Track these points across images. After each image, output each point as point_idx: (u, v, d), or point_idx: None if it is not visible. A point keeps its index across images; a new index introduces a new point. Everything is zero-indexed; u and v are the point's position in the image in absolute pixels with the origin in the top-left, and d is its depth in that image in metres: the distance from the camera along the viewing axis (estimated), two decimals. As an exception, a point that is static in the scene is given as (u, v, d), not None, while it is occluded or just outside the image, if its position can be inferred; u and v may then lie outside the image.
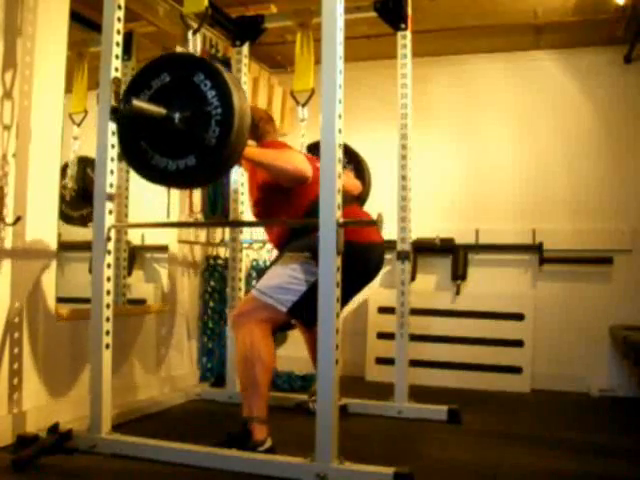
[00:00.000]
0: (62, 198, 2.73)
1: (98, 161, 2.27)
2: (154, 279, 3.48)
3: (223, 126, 1.96)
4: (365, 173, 3.15)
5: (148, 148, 2.07)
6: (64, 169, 2.88)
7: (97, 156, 2.27)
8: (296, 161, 2.44)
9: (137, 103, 1.97)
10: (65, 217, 2.80)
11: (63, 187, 2.80)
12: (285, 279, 2.34)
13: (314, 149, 2.95)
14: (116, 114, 2.20)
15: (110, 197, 2.27)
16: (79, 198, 2.91)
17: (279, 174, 2.42)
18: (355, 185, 2.91)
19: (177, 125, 2.02)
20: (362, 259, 2.43)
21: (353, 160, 3.15)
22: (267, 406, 2.30)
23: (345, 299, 2.18)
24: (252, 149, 2.39)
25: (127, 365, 3.01)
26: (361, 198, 3.03)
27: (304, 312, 2.31)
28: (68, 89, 2.72)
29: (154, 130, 2.06)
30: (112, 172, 2.26)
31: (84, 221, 2.88)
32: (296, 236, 2.45)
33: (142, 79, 2.11)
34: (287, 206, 2.48)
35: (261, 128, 2.65)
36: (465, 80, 4.11)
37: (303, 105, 3.05)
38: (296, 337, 3.07)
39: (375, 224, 2.07)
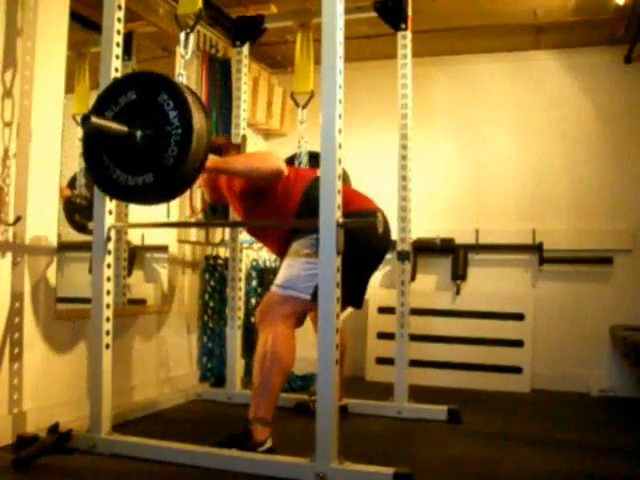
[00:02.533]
0: (75, 207, 2.74)
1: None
2: (154, 279, 3.47)
3: (181, 146, 1.99)
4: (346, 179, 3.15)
5: (110, 163, 2.10)
6: (74, 178, 2.88)
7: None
8: (267, 157, 2.45)
9: (96, 121, 2.00)
10: (79, 227, 2.80)
11: (75, 196, 2.81)
12: (300, 267, 2.34)
13: (313, 158, 2.96)
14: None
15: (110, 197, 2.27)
16: (89, 206, 2.90)
17: (254, 174, 2.41)
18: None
19: (138, 142, 2.05)
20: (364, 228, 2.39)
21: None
22: (274, 409, 2.29)
23: (362, 278, 2.16)
24: (221, 160, 2.40)
25: (127, 365, 3.01)
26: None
27: None
28: (69, 89, 2.72)
29: (116, 146, 2.09)
30: (112, 172, 2.26)
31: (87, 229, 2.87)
32: (297, 234, 2.45)
33: (109, 95, 2.14)
34: (275, 212, 2.47)
35: (224, 154, 2.65)
36: (465, 80, 4.11)
37: (303, 107, 3.06)
38: (298, 336, 3.06)
39: (374, 220, 2.07)
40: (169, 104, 2.01)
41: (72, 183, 2.89)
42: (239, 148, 2.82)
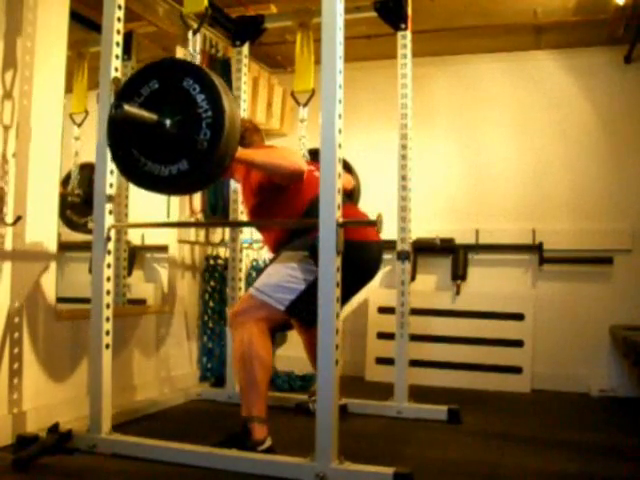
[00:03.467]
0: (67, 205, 2.73)
1: (98, 161, 2.27)
2: (154, 279, 3.48)
3: (214, 128, 1.95)
4: (354, 175, 3.14)
5: (140, 155, 2.06)
6: (68, 176, 2.88)
7: (97, 156, 2.27)
8: (290, 155, 2.43)
9: (129, 109, 1.97)
10: (71, 224, 2.80)
11: (68, 194, 2.80)
12: (283, 278, 2.34)
13: (314, 155, 2.95)
14: (115, 111, 2.21)
15: (110, 197, 2.27)
16: (84, 205, 2.90)
17: (275, 170, 2.39)
18: (347, 179, 2.87)
19: (168, 130, 2.01)
20: (360, 257, 2.42)
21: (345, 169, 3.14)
22: (266, 405, 2.29)
23: (344, 299, 2.18)
24: (245, 150, 2.38)
25: (127, 365, 3.01)
26: (353, 195, 3.02)
27: (302, 311, 2.32)
28: (68, 89, 2.72)
29: (145, 137, 2.05)
30: (112, 172, 2.26)
31: (80, 228, 2.88)
32: (294, 237, 2.45)
33: (131, 87, 2.10)
34: (284, 209, 2.47)
35: (247, 138, 2.61)
36: (465, 80, 4.11)
37: (304, 105, 3.06)
38: (296, 337, 3.07)
39: (375, 224, 2.07)
40: (195, 88, 1.97)
41: (66, 181, 2.89)
42: (261, 133, 2.79)
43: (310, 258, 2.30)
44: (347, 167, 3.06)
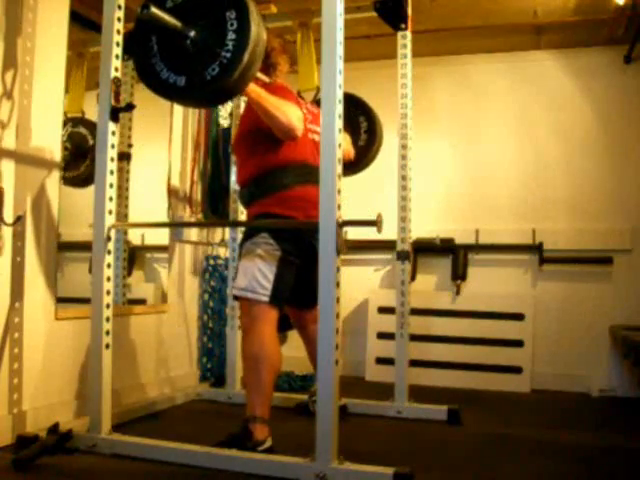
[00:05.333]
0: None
1: (98, 161, 2.26)
2: (154, 279, 3.48)
3: (223, 71, 1.97)
4: (377, 129, 3.14)
5: (157, 51, 2.09)
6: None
7: (97, 156, 2.27)
8: (292, 117, 2.38)
9: (154, 11, 1.98)
10: (65, 180, 2.78)
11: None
12: (254, 268, 2.35)
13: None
14: (116, 114, 2.21)
15: (110, 197, 2.27)
16: (73, 158, 2.87)
17: (271, 121, 2.37)
18: (348, 151, 2.83)
19: (186, 44, 2.02)
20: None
21: (366, 116, 3.14)
22: (270, 407, 2.30)
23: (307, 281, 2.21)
24: (256, 89, 2.34)
25: (127, 365, 3.01)
26: (357, 165, 3.02)
27: (285, 293, 2.37)
28: (65, 89, 2.72)
29: (168, 36, 2.06)
30: (112, 172, 2.26)
31: (77, 182, 2.87)
32: (254, 185, 2.47)
33: None
34: (264, 151, 2.45)
35: (273, 57, 2.62)
36: (465, 80, 4.11)
37: (311, 103, 3.05)
38: (296, 337, 3.07)
39: (375, 224, 2.07)
40: (233, 24, 1.97)
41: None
42: (288, 55, 2.75)
43: (270, 238, 2.35)
44: (371, 124, 3.08)
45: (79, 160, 2.84)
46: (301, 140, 2.45)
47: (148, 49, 2.11)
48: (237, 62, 1.96)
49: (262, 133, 2.44)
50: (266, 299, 2.34)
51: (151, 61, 2.10)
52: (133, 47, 2.18)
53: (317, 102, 2.90)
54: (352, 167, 2.92)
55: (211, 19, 2.02)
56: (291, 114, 2.39)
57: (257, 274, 2.35)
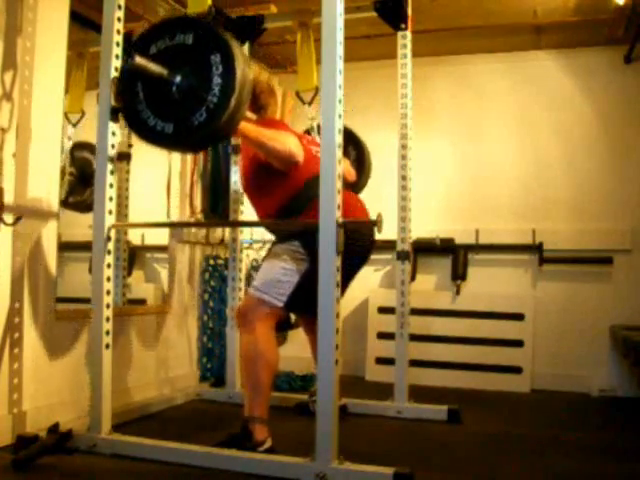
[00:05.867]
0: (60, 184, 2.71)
1: (98, 161, 2.26)
2: (154, 279, 3.48)
3: (211, 116, 1.96)
4: (365, 159, 3.14)
5: (144, 98, 2.08)
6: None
7: (97, 156, 2.27)
8: (290, 144, 2.41)
9: (139, 61, 1.99)
10: (63, 203, 2.78)
11: (62, 173, 2.79)
12: (277, 272, 2.35)
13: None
14: (116, 114, 2.22)
15: (110, 197, 2.27)
16: (78, 183, 2.89)
17: (270, 155, 2.39)
18: (349, 172, 2.85)
19: (172, 91, 2.02)
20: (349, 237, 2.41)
21: (354, 145, 3.14)
22: (268, 406, 2.30)
23: (345, 282, 2.17)
24: (248, 126, 2.35)
25: (127, 365, 3.01)
26: (356, 186, 3.00)
27: (300, 303, 2.34)
28: (65, 89, 2.71)
29: (154, 84, 2.06)
30: (112, 172, 2.26)
31: (80, 207, 2.88)
32: (282, 215, 2.45)
33: (171, 27, 2.10)
34: (279, 185, 2.45)
35: (262, 100, 2.63)
36: (465, 80, 4.11)
37: (309, 104, 3.05)
38: (296, 337, 3.07)
39: (375, 224, 2.07)
40: (218, 68, 1.96)
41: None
42: (276, 96, 2.77)
43: (301, 247, 2.32)
44: (360, 155, 3.06)
45: (84, 185, 2.84)
46: (306, 158, 2.44)
47: (134, 97, 2.10)
48: (224, 106, 1.95)
49: (266, 168, 2.45)
50: (280, 304, 2.33)
51: (138, 108, 2.09)
52: (119, 95, 2.17)
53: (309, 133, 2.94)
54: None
55: (196, 64, 2.01)
56: (288, 142, 2.41)
57: (279, 278, 2.33)
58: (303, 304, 2.31)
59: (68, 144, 2.91)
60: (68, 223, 2.71)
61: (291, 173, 2.44)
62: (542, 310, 3.83)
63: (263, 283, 2.36)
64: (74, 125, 2.91)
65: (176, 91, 2.02)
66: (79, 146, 2.91)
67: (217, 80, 1.96)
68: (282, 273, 2.34)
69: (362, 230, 2.48)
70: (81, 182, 2.79)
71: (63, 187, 2.71)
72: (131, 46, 2.08)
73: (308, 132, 3.06)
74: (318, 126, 2.96)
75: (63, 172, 2.79)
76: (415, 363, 3.34)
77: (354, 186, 2.94)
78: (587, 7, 3.39)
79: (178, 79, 2.02)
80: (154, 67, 2.02)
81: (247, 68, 2.02)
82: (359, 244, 2.46)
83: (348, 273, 2.49)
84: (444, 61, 4.10)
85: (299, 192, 2.41)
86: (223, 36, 2.03)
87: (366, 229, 2.51)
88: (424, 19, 3.36)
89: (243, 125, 2.24)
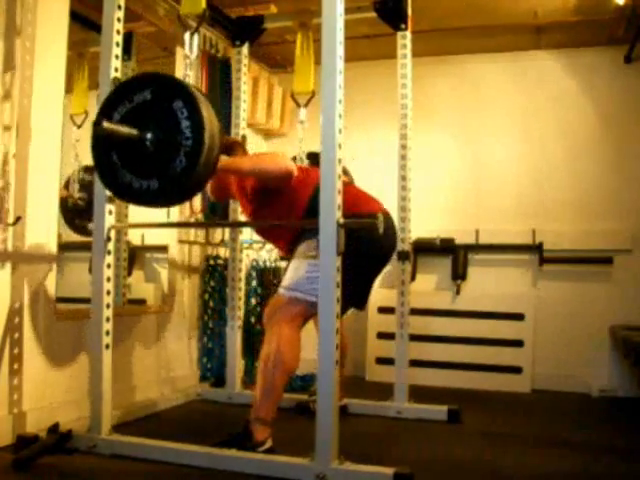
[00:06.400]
0: (70, 208, 2.72)
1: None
2: (154, 279, 3.47)
3: (190, 159, 1.96)
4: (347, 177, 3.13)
5: (118, 162, 2.07)
6: (68, 179, 2.88)
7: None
8: (277, 158, 2.44)
9: (107, 126, 1.98)
10: (77, 228, 2.79)
11: (70, 197, 2.80)
12: (307, 269, 2.34)
13: (313, 158, 2.95)
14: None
15: (110, 198, 2.27)
16: (86, 207, 2.89)
17: (263, 174, 2.41)
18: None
19: (147, 147, 2.02)
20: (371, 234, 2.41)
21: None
22: (276, 410, 2.29)
23: (366, 280, 2.18)
24: (230, 160, 2.39)
25: (127, 365, 3.01)
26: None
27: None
28: (68, 89, 2.72)
29: (127, 146, 2.05)
30: (112, 172, 2.26)
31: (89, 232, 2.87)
32: (303, 236, 2.45)
33: (126, 90, 2.10)
34: (284, 211, 2.46)
35: (235, 151, 2.64)
36: (465, 80, 4.11)
37: (304, 107, 3.05)
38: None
39: (375, 222, 2.07)
40: (183, 113, 1.97)
41: (68, 183, 2.89)
42: (244, 146, 2.81)
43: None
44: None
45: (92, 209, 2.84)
46: (304, 175, 2.45)
47: (112, 165, 2.07)
48: (200, 144, 1.95)
49: (267, 197, 2.47)
50: (315, 299, 2.27)
51: (117, 174, 2.07)
52: (96, 168, 2.15)
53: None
54: None
55: (161, 115, 2.00)
56: (276, 158, 2.44)
57: (308, 275, 2.32)
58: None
59: (76, 147, 2.91)
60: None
61: (293, 196, 2.43)
62: (542, 310, 3.83)
63: (293, 282, 2.36)
64: (79, 127, 2.91)
65: (150, 146, 2.01)
66: (88, 169, 2.91)
67: (185, 123, 1.97)
68: (308, 269, 2.33)
69: (388, 229, 2.48)
70: (90, 206, 2.81)
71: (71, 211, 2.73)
72: (97, 116, 2.07)
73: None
74: (308, 155, 3.00)
75: (71, 197, 2.80)
76: (415, 363, 3.34)
77: None
78: (587, 7, 3.39)
79: (149, 135, 2.01)
80: (124, 129, 2.02)
81: (208, 106, 2.03)
82: (389, 242, 2.53)
83: (370, 275, 2.57)
84: (444, 61, 4.10)
85: (306, 210, 2.39)
86: (179, 82, 2.06)
87: (391, 225, 2.55)
88: (424, 19, 3.36)
89: (224, 160, 2.26)
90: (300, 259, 2.39)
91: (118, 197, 2.21)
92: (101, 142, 2.10)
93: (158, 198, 2.07)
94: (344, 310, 2.11)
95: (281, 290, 2.40)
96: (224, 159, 2.28)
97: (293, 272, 2.39)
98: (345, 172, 3.02)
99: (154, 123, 2.02)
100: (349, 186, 2.43)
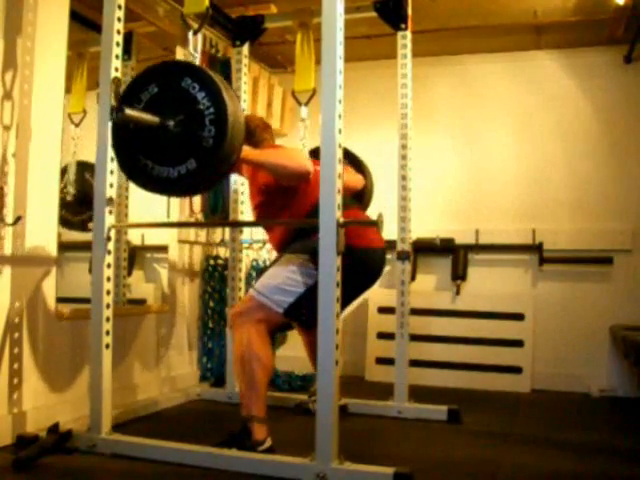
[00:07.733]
0: (62, 202, 2.72)
1: (98, 161, 2.26)
2: (154, 279, 3.48)
3: (218, 124, 1.96)
4: (367, 176, 3.13)
5: (147, 161, 2.06)
6: (62, 173, 2.87)
7: (97, 156, 2.27)
8: (297, 156, 2.43)
9: (129, 112, 1.97)
10: (64, 221, 2.79)
11: (62, 191, 2.80)
12: (283, 280, 2.34)
13: (314, 154, 2.94)
14: (116, 115, 2.21)
15: (110, 198, 2.26)
16: (79, 203, 2.90)
17: (281, 172, 2.38)
18: (357, 180, 2.89)
19: (172, 131, 2.01)
20: (362, 263, 2.42)
21: (354, 164, 3.12)
22: (266, 406, 2.29)
23: (344, 303, 2.17)
24: (252, 151, 2.37)
25: (127, 365, 3.01)
26: (365, 195, 2.99)
27: (301, 314, 2.33)
28: (67, 89, 2.72)
29: (150, 141, 2.05)
30: (112, 172, 2.26)
31: (84, 226, 2.87)
32: (297, 238, 2.45)
33: (130, 93, 2.10)
34: (289, 210, 2.47)
35: (258, 135, 2.62)
36: (465, 80, 4.11)
37: (305, 105, 3.05)
38: (296, 337, 3.07)
39: (375, 224, 2.07)
40: (195, 87, 1.98)
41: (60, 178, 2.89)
42: (271, 129, 2.78)
43: (311, 262, 2.29)
44: (359, 165, 3.05)
45: (84, 205, 2.83)
46: (315, 177, 2.39)
47: (142, 167, 2.06)
48: (223, 105, 1.94)
49: (277, 193, 2.46)
50: (280, 311, 2.32)
51: (151, 174, 2.05)
52: (121, 165, 2.14)
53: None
54: None
55: (175, 98, 2.01)
56: (297, 156, 2.43)
57: (283, 286, 2.32)
58: (303, 316, 2.32)
59: (74, 144, 2.92)
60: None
61: (301, 195, 2.43)
62: (542, 310, 3.83)
63: (266, 287, 2.35)
64: (77, 125, 2.91)
65: (175, 129, 2.01)
66: (81, 165, 2.93)
67: (201, 94, 1.98)
68: (288, 282, 2.32)
69: (375, 255, 2.51)
70: (81, 202, 2.80)
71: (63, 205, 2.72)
72: (118, 103, 2.05)
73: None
74: (310, 152, 2.99)
75: (63, 191, 2.80)
76: (415, 363, 3.35)
77: (362, 196, 2.94)
78: (587, 7, 3.39)
79: (171, 122, 2.01)
80: (146, 116, 2.01)
81: (232, 95, 2.03)
82: (369, 269, 2.51)
83: (352, 295, 2.51)
84: (444, 61, 4.10)
85: (310, 212, 2.39)
86: (178, 62, 2.12)
87: (379, 256, 2.55)
88: (424, 19, 3.36)
89: (247, 150, 2.24)
90: (280, 267, 2.39)
91: (160, 193, 2.19)
92: (123, 145, 2.10)
93: (200, 178, 2.03)
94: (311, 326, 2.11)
95: (252, 291, 2.39)
96: (245, 148, 2.24)
97: (270, 277, 2.38)
98: (362, 168, 3.02)
99: (171, 108, 2.01)
100: (353, 210, 2.42)
